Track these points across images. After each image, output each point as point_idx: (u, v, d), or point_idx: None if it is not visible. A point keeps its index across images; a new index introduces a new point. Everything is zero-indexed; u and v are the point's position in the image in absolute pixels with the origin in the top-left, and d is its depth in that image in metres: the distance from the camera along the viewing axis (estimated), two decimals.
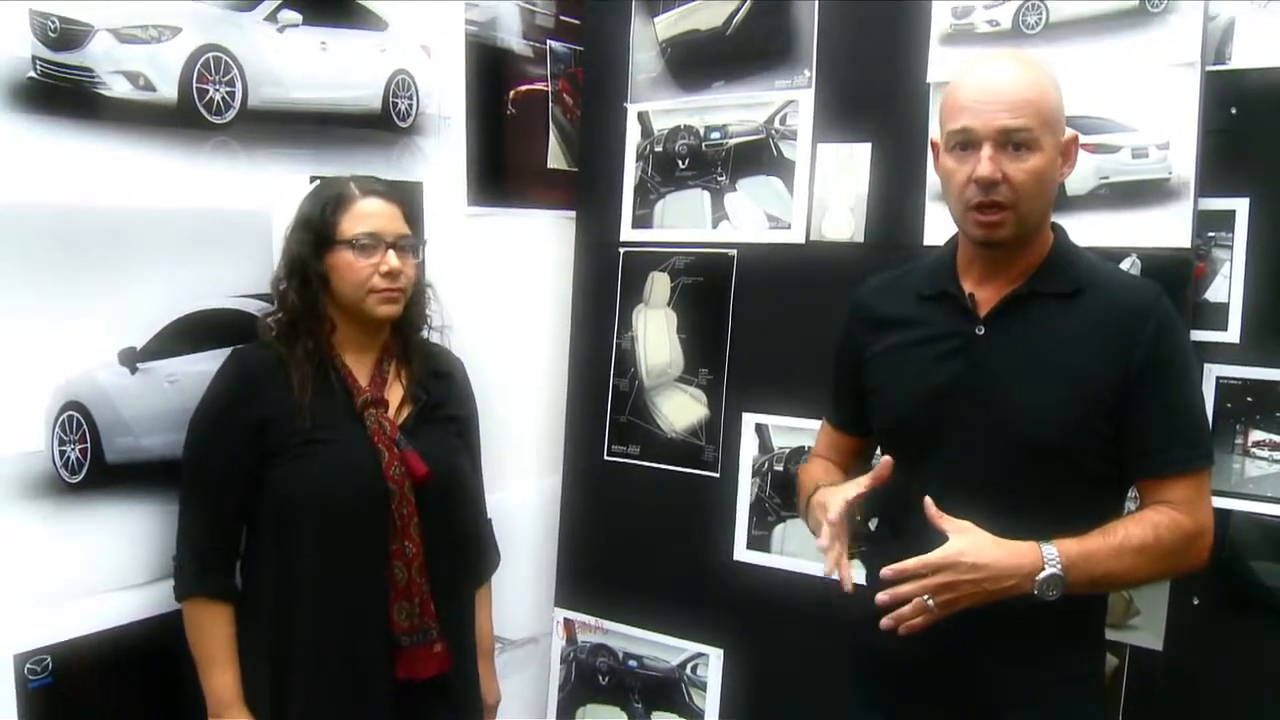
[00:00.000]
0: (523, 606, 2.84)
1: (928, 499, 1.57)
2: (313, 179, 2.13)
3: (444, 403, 2.06)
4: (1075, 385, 1.59)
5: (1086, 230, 1.98)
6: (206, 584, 1.88)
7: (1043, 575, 1.52)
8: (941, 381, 1.67)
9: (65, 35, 1.81)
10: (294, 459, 1.86)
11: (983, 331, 1.65)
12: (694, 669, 2.65)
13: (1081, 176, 2.11)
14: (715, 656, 2.61)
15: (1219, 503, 2.01)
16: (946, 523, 1.55)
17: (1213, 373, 2.07)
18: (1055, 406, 1.60)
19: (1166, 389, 1.59)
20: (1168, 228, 2.05)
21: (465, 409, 2.13)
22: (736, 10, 2.59)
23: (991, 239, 1.61)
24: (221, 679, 1.86)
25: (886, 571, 1.54)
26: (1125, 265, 2.06)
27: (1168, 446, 1.60)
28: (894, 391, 1.76)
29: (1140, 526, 1.57)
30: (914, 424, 1.73)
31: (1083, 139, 2.10)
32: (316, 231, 1.90)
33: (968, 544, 1.53)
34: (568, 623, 2.86)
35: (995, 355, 1.64)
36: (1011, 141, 1.57)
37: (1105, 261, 1.73)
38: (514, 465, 2.78)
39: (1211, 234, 2.07)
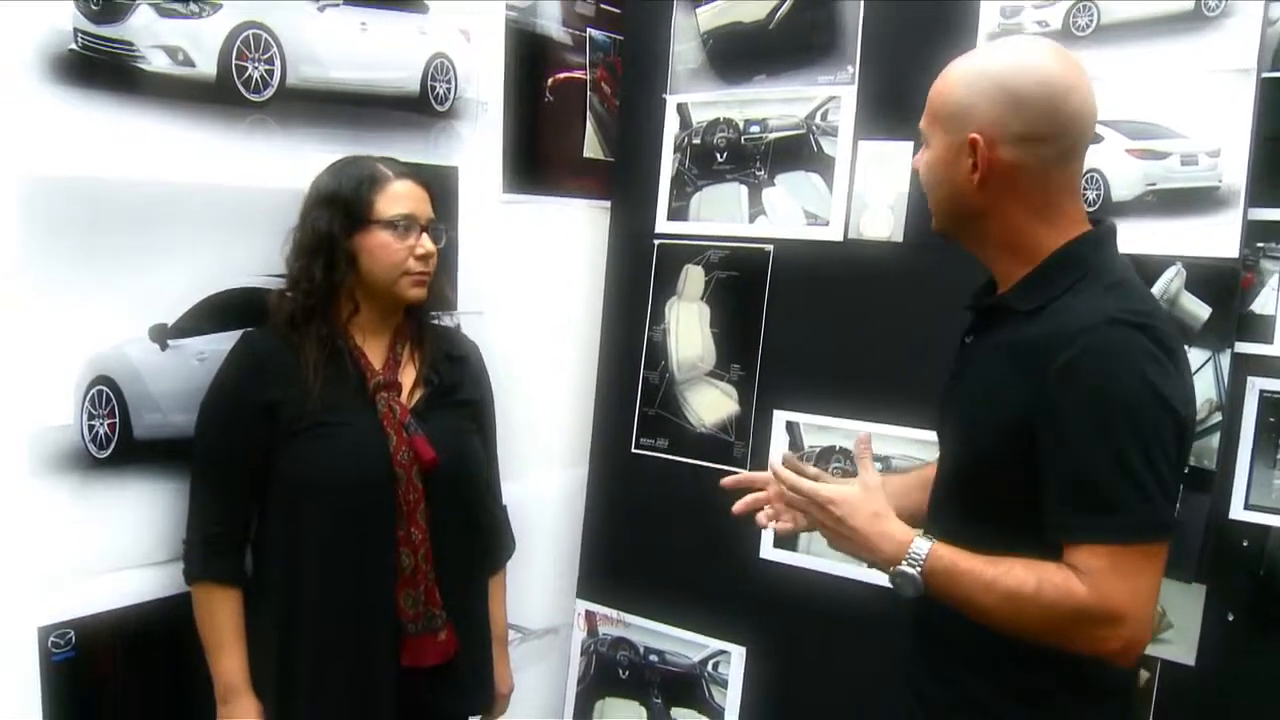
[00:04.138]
0: (544, 596, 2.83)
1: (863, 434, 1.62)
2: None
3: (458, 386, 2.04)
4: (993, 415, 1.48)
5: (1131, 237, 1.94)
6: (214, 568, 1.88)
7: (895, 569, 1.47)
8: (945, 388, 1.66)
9: (107, 8, 1.81)
10: (304, 442, 1.85)
11: (970, 341, 1.61)
12: (715, 666, 2.64)
13: (1128, 182, 2.09)
14: (737, 654, 2.60)
15: (1258, 518, 1.99)
16: (863, 467, 1.57)
17: (1256, 386, 2.04)
18: (973, 434, 1.53)
19: (1067, 439, 1.37)
20: (1215, 237, 2.02)
21: (479, 393, 2.12)
22: (780, 3, 2.56)
23: (933, 229, 1.61)
24: (228, 663, 1.87)
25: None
26: (1169, 274, 2.03)
27: (1063, 508, 1.39)
28: None
29: (1028, 572, 1.39)
30: (935, 428, 1.74)
31: (1130, 144, 2.09)
32: (348, 210, 1.88)
33: (846, 497, 1.53)
34: (589, 615, 2.85)
35: (967, 367, 1.59)
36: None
37: (1103, 279, 1.46)
38: (540, 454, 2.78)
39: (1260, 245, 2.03)
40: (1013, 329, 1.47)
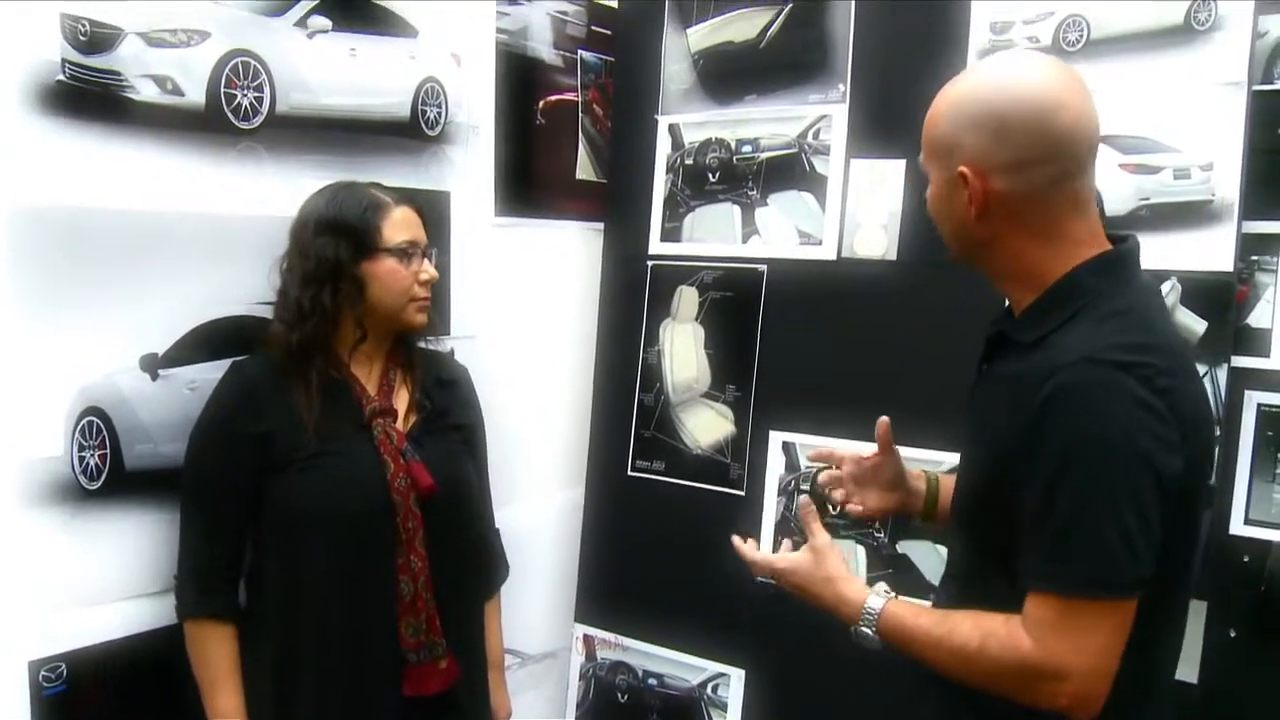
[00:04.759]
0: (542, 621, 2.81)
1: (803, 499, 1.63)
2: None
3: (449, 410, 2.03)
4: (988, 452, 1.44)
5: None
6: (207, 604, 1.85)
7: (853, 629, 1.48)
8: (964, 416, 1.62)
9: (95, 39, 1.80)
10: (299, 472, 1.83)
11: (985, 369, 1.56)
12: (714, 689, 2.61)
13: (1121, 197, 2.08)
14: (736, 677, 2.58)
15: (1258, 533, 1.98)
16: (810, 531, 1.56)
17: (1254, 400, 2.03)
18: (973, 468, 1.51)
19: (1036, 480, 1.31)
20: (1210, 251, 2.01)
21: (471, 416, 2.11)
22: (771, 23, 2.56)
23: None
24: (225, 703, 1.84)
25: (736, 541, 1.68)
26: (1164, 289, 2.01)
27: (1030, 549, 1.33)
28: None
29: (973, 627, 1.37)
30: None
31: (1123, 159, 2.08)
32: (356, 237, 1.86)
33: (797, 567, 1.56)
34: (587, 639, 2.83)
35: (977, 398, 1.55)
36: None
37: (1103, 308, 1.37)
38: (536, 478, 2.77)
39: (1255, 258, 2.03)
40: (1014, 361, 1.42)
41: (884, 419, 1.75)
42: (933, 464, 2.18)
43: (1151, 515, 1.28)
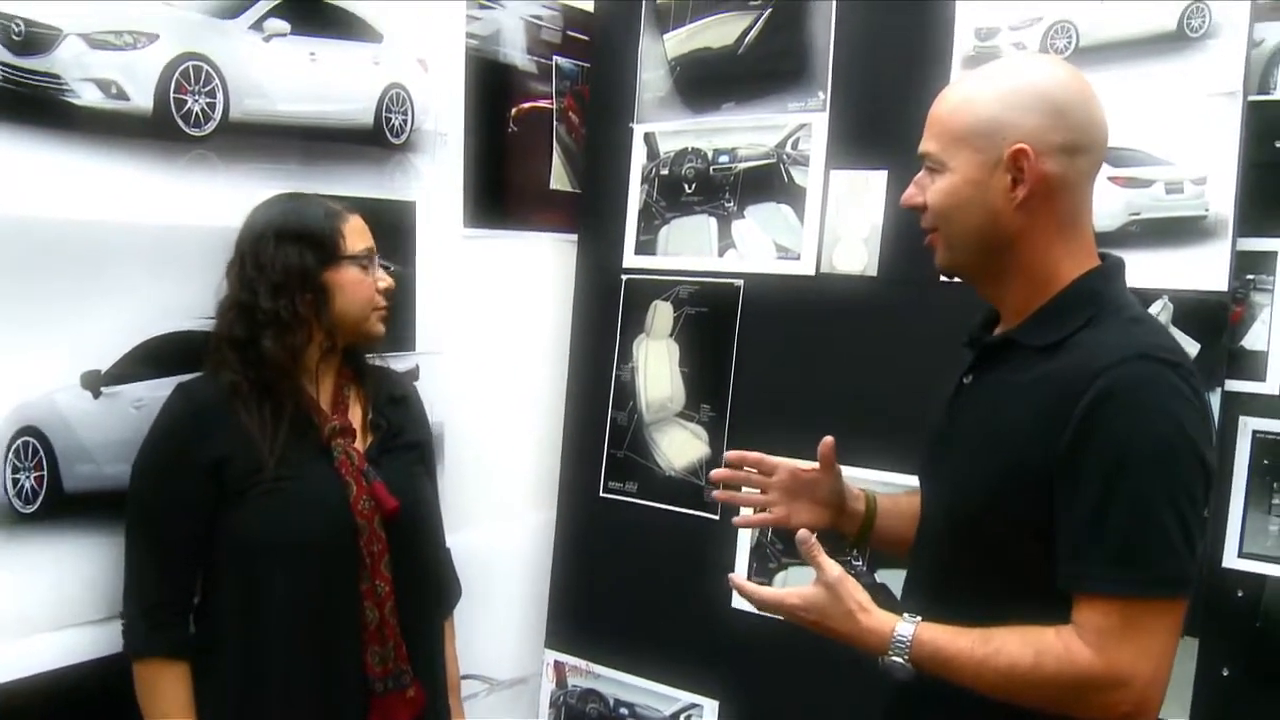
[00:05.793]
0: (511, 646, 2.76)
1: (801, 532, 1.48)
2: None
3: (404, 429, 1.97)
4: (1001, 456, 1.40)
5: None
6: (158, 642, 1.76)
7: (884, 659, 1.41)
8: (933, 432, 1.57)
9: (31, 39, 1.73)
10: (257, 500, 1.75)
11: (969, 380, 1.51)
12: None
13: (1111, 213, 2.01)
14: (710, 708, 2.52)
15: (1253, 567, 1.91)
16: (816, 565, 1.46)
17: (1249, 426, 1.96)
18: (977, 475, 1.44)
19: (1088, 482, 1.29)
20: (1203, 269, 1.94)
21: (423, 433, 2.06)
22: (749, 28, 2.49)
23: (937, 266, 1.50)
24: None
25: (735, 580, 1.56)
26: (1155, 308, 1.95)
27: (1079, 555, 1.30)
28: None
29: (1021, 644, 1.33)
30: (918, 471, 1.66)
31: (1112, 172, 2.01)
32: (321, 245, 1.81)
33: (812, 603, 1.45)
34: (558, 665, 2.77)
35: (967, 408, 1.50)
36: (926, 165, 1.46)
37: (1121, 314, 1.39)
38: (506, 498, 2.71)
39: (1250, 277, 1.97)
40: (1024, 366, 1.39)
41: (828, 439, 1.71)
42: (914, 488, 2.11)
43: (1201, 512, 1.30)
